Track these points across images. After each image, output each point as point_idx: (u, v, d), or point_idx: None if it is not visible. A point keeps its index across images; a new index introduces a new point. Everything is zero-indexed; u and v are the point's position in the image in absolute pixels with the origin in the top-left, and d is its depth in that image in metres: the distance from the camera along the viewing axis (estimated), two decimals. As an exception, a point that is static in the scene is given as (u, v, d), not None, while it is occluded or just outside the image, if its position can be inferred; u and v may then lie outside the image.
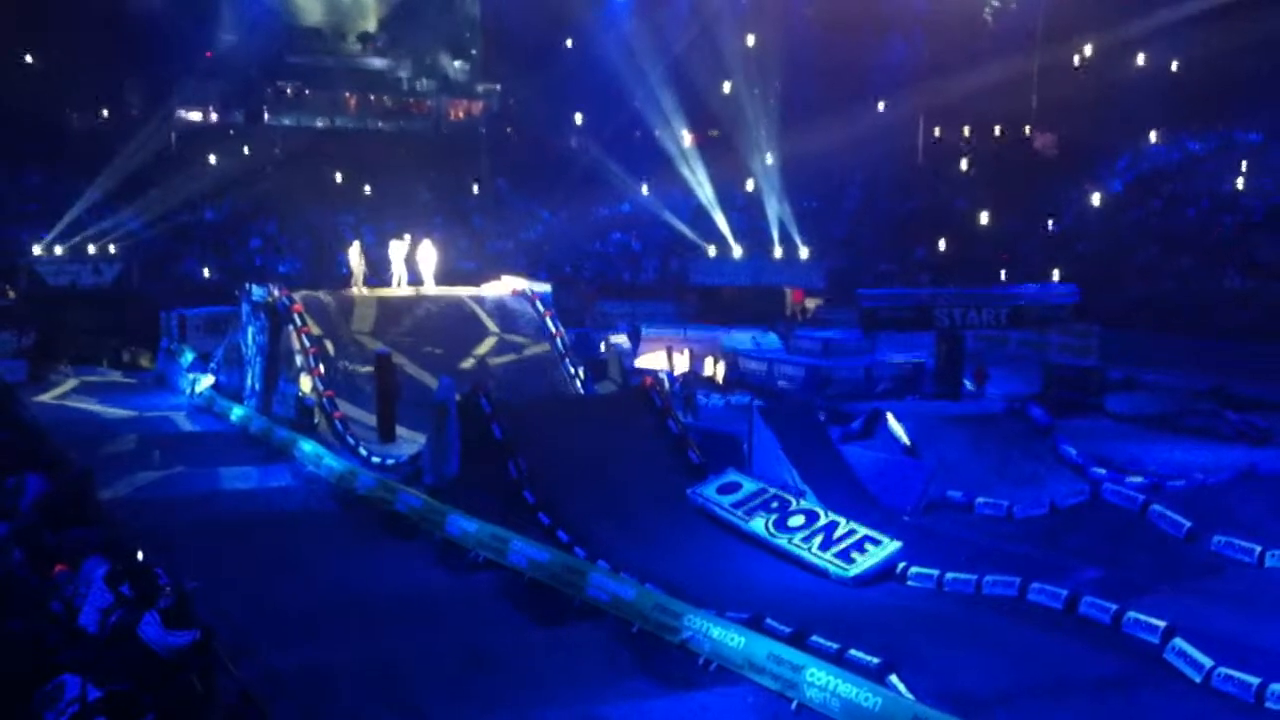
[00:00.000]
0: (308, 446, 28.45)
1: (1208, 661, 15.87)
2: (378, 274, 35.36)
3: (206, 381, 36.74)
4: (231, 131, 63.17)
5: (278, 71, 65.80)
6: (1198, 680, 15.80)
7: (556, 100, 66.97)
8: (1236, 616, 17.92)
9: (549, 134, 68.25)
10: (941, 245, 58.69)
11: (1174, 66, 60.91)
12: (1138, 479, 25.54)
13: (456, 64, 71.81)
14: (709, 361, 40.15)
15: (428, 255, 35.26)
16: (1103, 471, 26.70)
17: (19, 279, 47.15)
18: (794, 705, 15.01)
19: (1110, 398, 35.78)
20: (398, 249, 35.23)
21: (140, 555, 14.74)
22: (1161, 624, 16.71)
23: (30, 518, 15.11)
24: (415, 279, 35.14)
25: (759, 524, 22.11)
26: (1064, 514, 23.13)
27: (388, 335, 32.19)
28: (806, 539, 21.33)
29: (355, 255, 35.57)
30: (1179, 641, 16.34)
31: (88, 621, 11.81)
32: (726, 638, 16.22)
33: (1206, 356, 39.99)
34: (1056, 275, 49.53)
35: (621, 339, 42.44)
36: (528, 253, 59.36)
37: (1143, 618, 17.01)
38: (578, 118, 69.13)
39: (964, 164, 65.75)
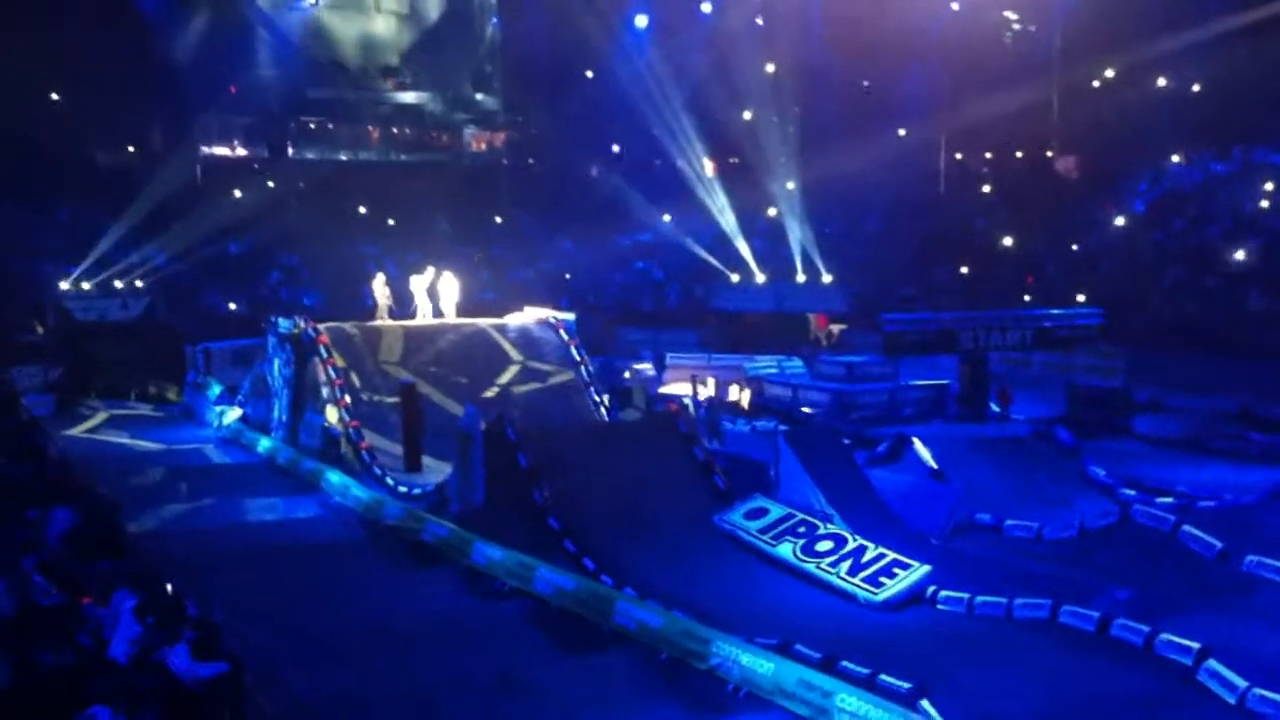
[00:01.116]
0: (334, 477, 28.55)
1: (1241, 682, 15.72)
2: (402, 306, 35.55)
3: (233, 414, 36.92)
4: (256, 166, 63.57)
5: (301, 106, 66.23)
6: (1232, 701, 15.66)
7: (578, 130, 67.17)
8: (1270, 636, 17.77)
9: (570, 164, 68.47)
10: (964, 269, 58.57)
11: (1195, 87, 60.76)
12: (1167, 500, 25.40)
13: (478, 96, 72.18)
14: (733, 388, 40.12)
15: (449, 287, 35.44)
16: (1132, 493, 26.58)
17: (47, 314, 47.48)
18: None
19: (1136, 419, 35.59)
20: (420, 282, 35.46)
21: (169, 587, 14.79)
22: (1194, 645, 16.57)
23: (57, 551, 15.17)
24: (437, 311, 35.32)
25: (786, 549, 22.06)
26: (1094, 535, 22.98)
27: (412, 365, 32.35)
28: (835, 563, 21.26)
29: (380, 287, 35.81)
30: (1212, 662, 16.19)
31: (117, 653, 11.83)
32: (756, 664, 16.16)
33: (1232, 377, 39.76)
34: (1081, 297, 49.37)
35: (645, 366, 42.49)
36: (550, 283, 59.44)
37: (1175, 639, 16.87)
38: (599, 147, 69.34)
39: (986, 187, 65.67)
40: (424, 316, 35.10)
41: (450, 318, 35.20)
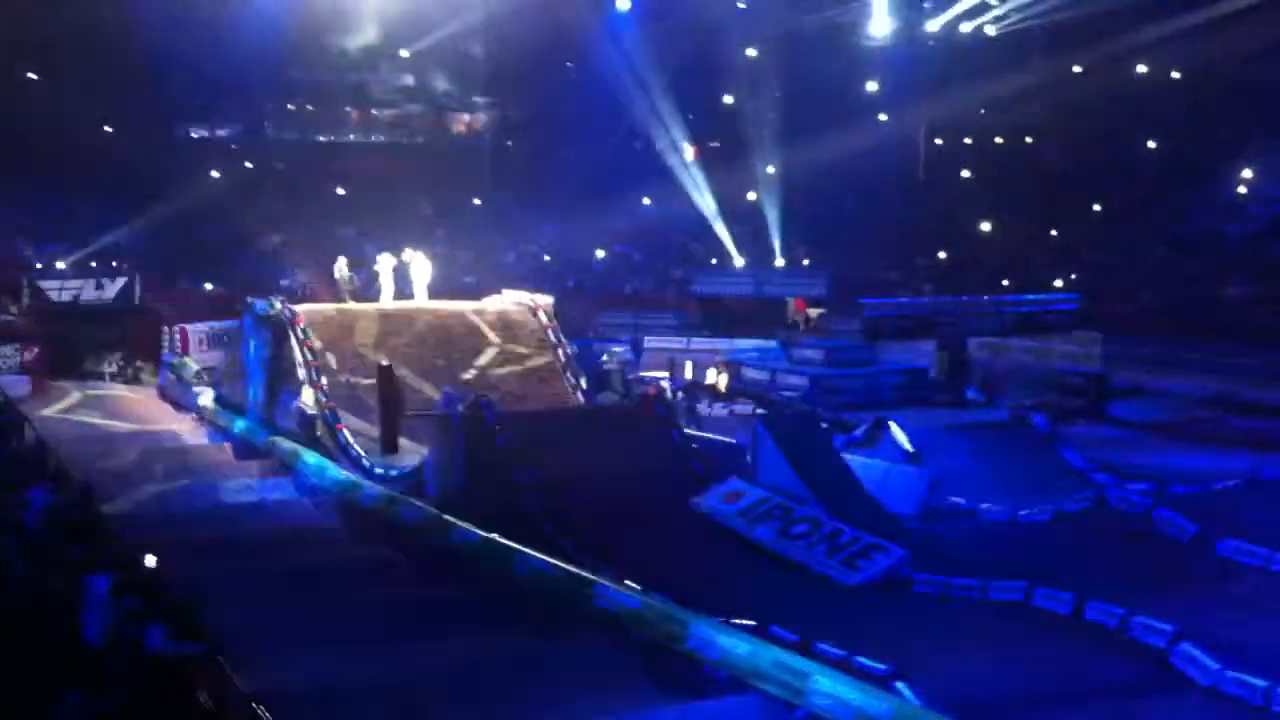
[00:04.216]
0: (310, 459, 28.43)
1: (1215, 665, 15.82)
2: (365, 287, 35.35)
3: (209, 395, 36.75)
4: (234, 146, 63.26)
5: (280, 87, 65.86)
6: (1205, 684, 15.75)
7: (558, 113, 67.00)
8: (1244, 620, 17.89)
9: (551, 147, 68.24)
10: (943, 254, 58.72)
11: (1177, 74, 60.95)
12: (1142, 484, 25.49)
13: (459, 78, 71.85)
14: (711, 371, 40.14)
15: (421, 268, 35.28)
16: (1107, 477, 26.65)
17: (21, 294, 47.11)
18: (801, 713, 14.94)
19: (1114, 405, 35.74)
20: (387, 262, 35.30)
21: (148, 564, 14.74)
22: (1168, 628, 16.66)
23: (35, 533, 15.12)
24: (408, 292, 35.15)
25: (763, 531, 22.08)
26: (1069, 519, 23.09)
27: (390, 347, 32.20)
28: (811, 546, 21.28)
29: (341, 270, 35.55)
30: (1186, 645, 16.29)
31: (93, 635, 11.79)
32: (732, 646, 16.14)
33: (1211, 362, 39.94)
34: (1059, 283, 49.54)
35: (624, 350, 42.48)
36: (530, 265, 59.42)
37: (1149, 622, 16.95)
38: (579, 131, 69.11)
39: (966, 173, 65.75)
40: (387, 298, 34.94)
41: (423, 300, 35.05)
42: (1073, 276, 51.06)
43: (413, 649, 17.47)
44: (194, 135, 63.13)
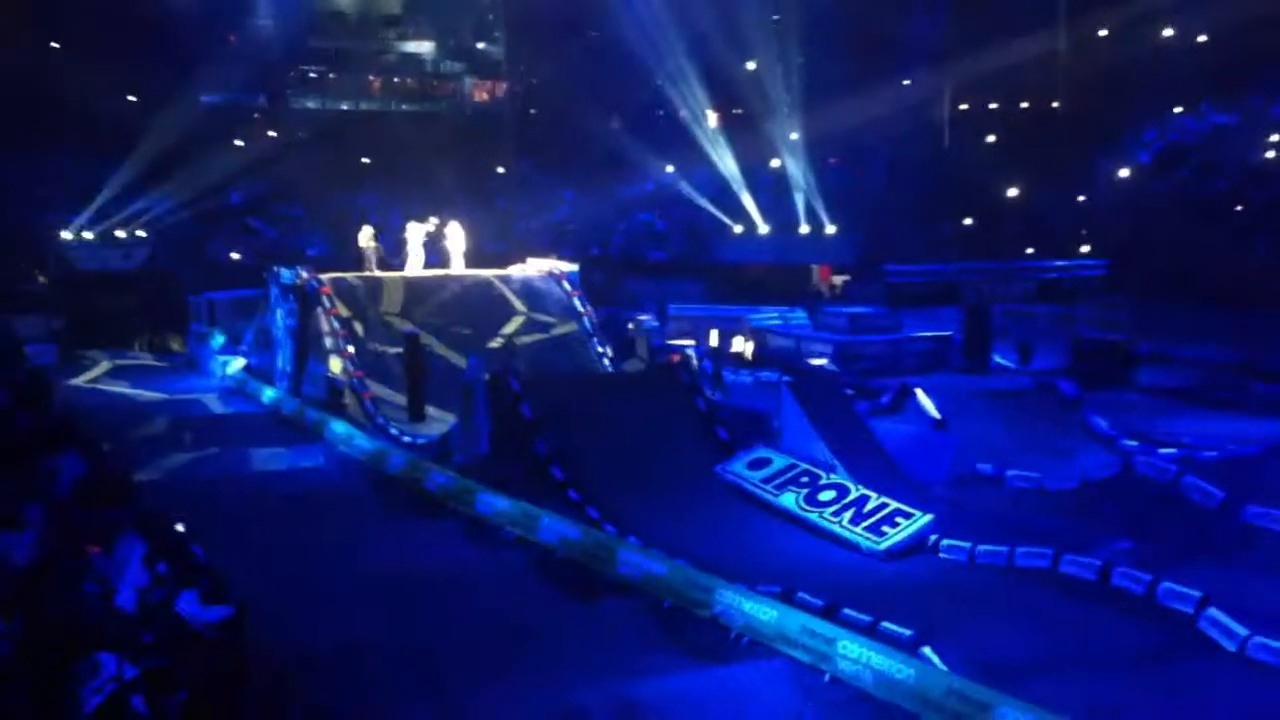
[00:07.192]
0: (339, 427, 28.61)
1: (1242, 631, 15.82)
2: (394, 256, 35.40)
3: (237, 364, 36.93)
4: (256, 115, 63.19)
5: (302, 55, 65.78)
6: (1232, 649, 15.76)
7: (580, 80, 66.70)
8: (1271, 586, 17.84)
9: (573, 114, 67.95)
10: (968, 220, 58.45)
11: (1201, 38, 60.37)
12: (1169, 451, 25.41)
13: (480, 45, 71.63)
14: (737, 339, 40.12)
15: (456, 237, 35.36)
16: (1134, 444, 26.58)
17: (49, 263, 47.34)
18: (827, 678, 15.01)
19: (1140, 371, 35.60)
20: (415, 230, 35.33)
21: (176, 535, 14.82)
22: (1195, 594, 16.66)
23: (66, 500, 15.21)
24: (438, 261, 35.20)
25: (789, 499, 22.14)
26: (1096, 486, 23.02)
27: (416, 316, 32.35)
28: (837, 513, 21.35)
29: (366, 239, 35.58)
30: (1213, 611, 16.29)
31: (125, 601, 11.87)
32: (759, 612, 16.23)
33: (1236, 328, 39.65)
34: (1085, 249, 49.25)
35: (649, 317, 42.47)
36: (553, 233, 59.41)
37: (1176, 588, 16.96)
38: (602, 97, 68.89)
39: (990, 138, 65.33)
40: (414, 267, 34.98)
41: (457, 268, 35.14)
42: (1099, 242, 50.72)
43: (439, 612, 17.60)
44: (216, 103, 63.00)
